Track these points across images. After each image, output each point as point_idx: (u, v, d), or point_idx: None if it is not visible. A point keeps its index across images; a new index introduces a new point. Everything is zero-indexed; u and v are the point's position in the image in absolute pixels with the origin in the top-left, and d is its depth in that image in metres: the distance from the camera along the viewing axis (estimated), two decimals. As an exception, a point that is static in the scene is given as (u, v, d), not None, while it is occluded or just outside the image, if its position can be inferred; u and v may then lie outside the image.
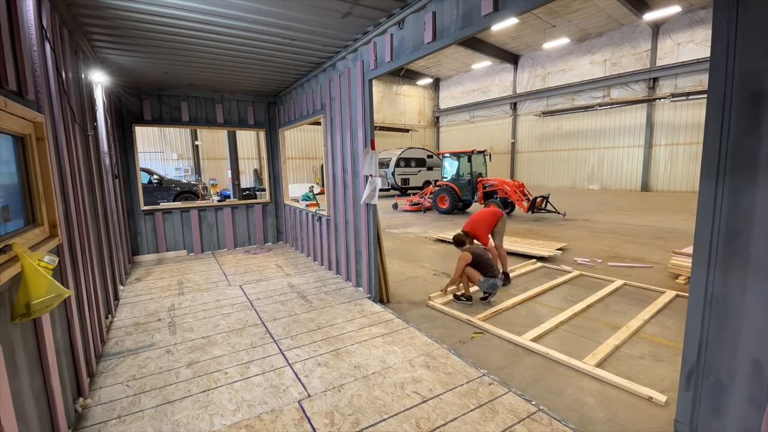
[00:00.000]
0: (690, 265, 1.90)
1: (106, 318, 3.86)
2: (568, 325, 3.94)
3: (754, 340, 1.56)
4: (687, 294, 1.73)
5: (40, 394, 1.93)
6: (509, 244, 7.46)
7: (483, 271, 4.43)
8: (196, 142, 19.98)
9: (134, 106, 6.39)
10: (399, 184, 19.99)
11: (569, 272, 5.72)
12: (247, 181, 20.39)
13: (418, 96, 28.51)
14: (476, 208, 13.32)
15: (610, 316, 4.16)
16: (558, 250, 6.99)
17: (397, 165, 19.87)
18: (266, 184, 8.02)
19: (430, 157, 21.42)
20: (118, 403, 2.62)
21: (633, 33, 18.64)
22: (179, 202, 9.66)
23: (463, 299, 4.56)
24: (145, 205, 6.76)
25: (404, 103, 27.75)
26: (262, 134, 7.97)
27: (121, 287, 5.03)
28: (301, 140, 23.38)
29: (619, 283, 5.12)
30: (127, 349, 3.39)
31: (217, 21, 3.72)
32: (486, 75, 25.49)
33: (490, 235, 5.17)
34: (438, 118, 29.44)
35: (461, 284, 4.63)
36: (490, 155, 14.13)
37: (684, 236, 8.20)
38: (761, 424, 1.50)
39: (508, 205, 11.99)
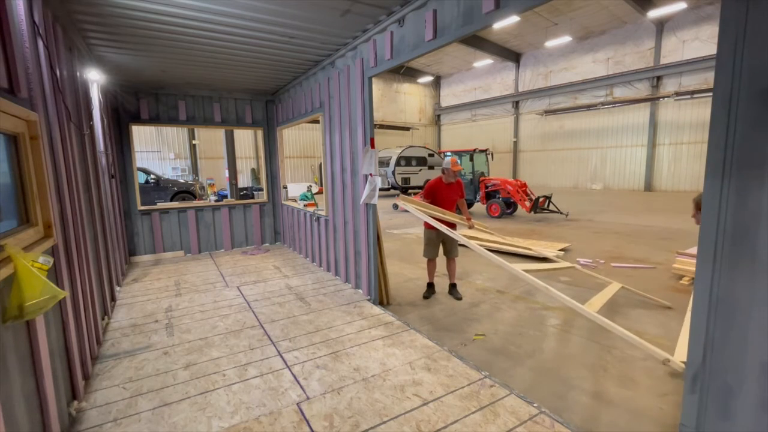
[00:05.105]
0: (694, 265, 1.86)
1: (103, 319, 3.83)
2: (570, 327, 3.90)
3: (764, 343, 1.52)
4: (692, 295, 1.72)
5: (31, 397, 1.89)
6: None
7: None
8: (194, 142, 19.93)
9: (131, 105, 6.35)
10: (399, 183, 19.83)
11: (571, 271, 5.67)
12: (244, 180, 20.32)
13: (419, 94, 28.41)
14: (478, 208, 13.26)
15: (613, 317, 4.11)
16: (561, 250, 6.95)
17: (398, 164, 19.69)
18: (264, 184, 7.96)
19: (431, 155, 21.26)
20: (114, 406, 2.59)
21: (636, 31, 18.53)
22: (176, 202, 9.62)
23: None
24: (142, 205, 6.72)
25: (405, 101, 27.65)
26: (259, 133, 7.92)
27: (117, 288, 4.99)
28: (299, 139, 23.35)
29: (621, 284, 5.06)
30: (124, 351, 3.36)
31: (215, 18, 3.68)
32: (488, 73, 25.41)
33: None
34: (439, 116, 29.35)
35: None
36: (492, 154, 14.04)
37: (688, 236, 8.14)
38: None
39: (510, 205, 11.92)
